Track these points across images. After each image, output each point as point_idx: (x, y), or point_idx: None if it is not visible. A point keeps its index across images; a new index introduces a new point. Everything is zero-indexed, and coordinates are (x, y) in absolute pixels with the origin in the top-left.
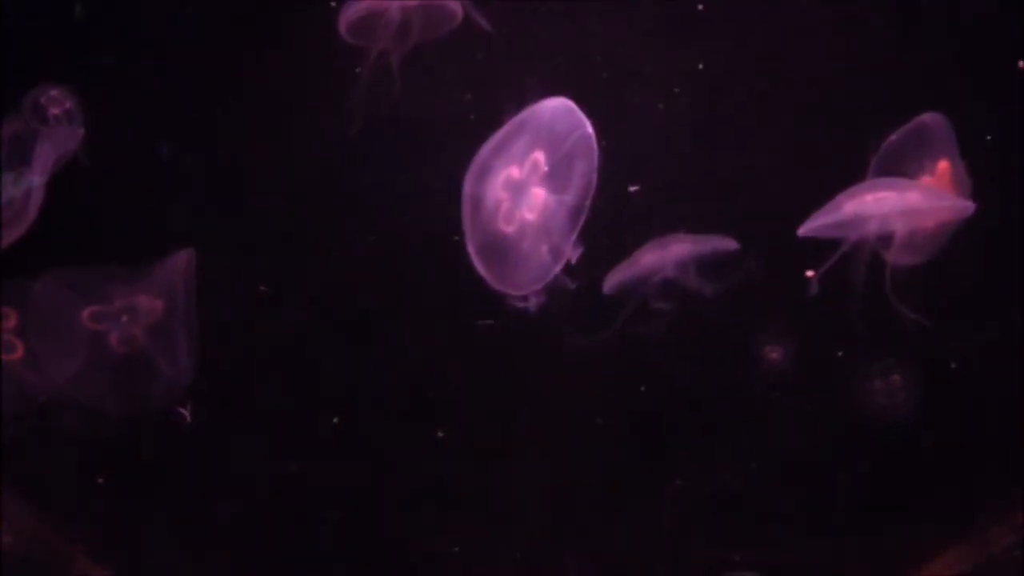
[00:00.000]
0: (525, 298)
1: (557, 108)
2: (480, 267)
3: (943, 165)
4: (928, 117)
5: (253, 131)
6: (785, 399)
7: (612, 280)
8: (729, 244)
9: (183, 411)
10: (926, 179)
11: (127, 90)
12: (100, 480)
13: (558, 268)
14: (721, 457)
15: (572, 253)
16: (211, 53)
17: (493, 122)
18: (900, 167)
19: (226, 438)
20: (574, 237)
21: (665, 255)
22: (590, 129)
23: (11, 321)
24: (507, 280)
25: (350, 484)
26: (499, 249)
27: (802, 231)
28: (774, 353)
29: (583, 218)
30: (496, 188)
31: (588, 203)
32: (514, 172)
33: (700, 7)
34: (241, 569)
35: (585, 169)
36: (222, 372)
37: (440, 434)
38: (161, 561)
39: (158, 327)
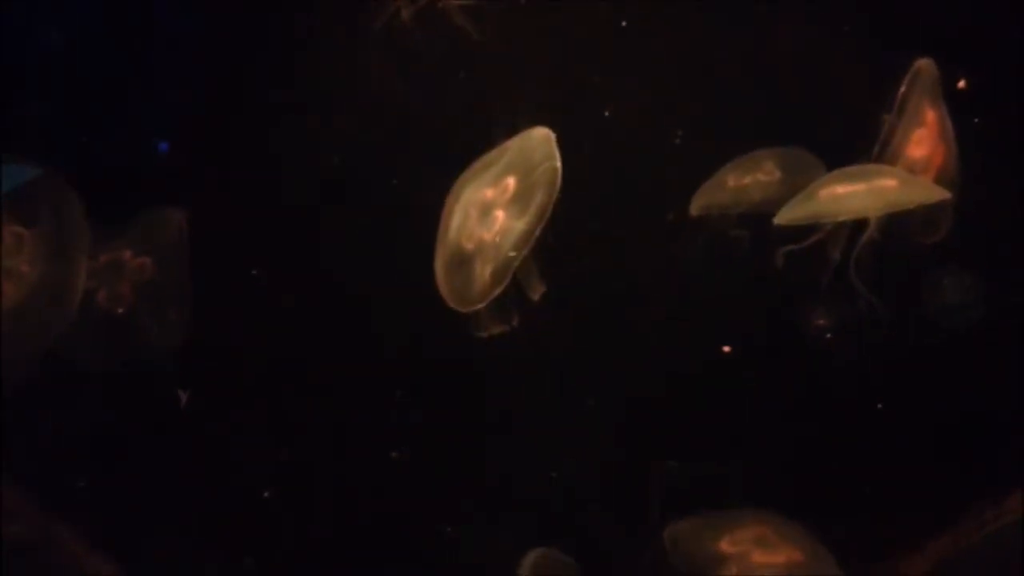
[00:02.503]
0: (470, 318)
1: (538, 137)
2: (439, 279)
3: (931, 115)
4: (921, 61)
5: (247, 122)
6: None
7: (698, 201)
8: (819, 169)
9: (180, 394)
10: (919, 132)
11: (119, 82)
12: (97, 475)
13: (498, 291)
14: (711, 445)
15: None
16: (205, 42)
17: (489, 129)
18: (901, 120)
19: (221, 428)
20: (516, 263)
21: (753, 175)
22: (559, 163)
23: None
24: (458, 296)
25: (344, 468)
26: (457, 264)
27: (777, 220)
28: (820, 320)
29: (528, 247)
30: (470, 206)
31: (537, 233)
32: (488, 194)
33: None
34: (240, 560)
35: (544, 201)
36: (213, 361)
37: (430, 419)
38: (161, 553)
39: (146, 285)
